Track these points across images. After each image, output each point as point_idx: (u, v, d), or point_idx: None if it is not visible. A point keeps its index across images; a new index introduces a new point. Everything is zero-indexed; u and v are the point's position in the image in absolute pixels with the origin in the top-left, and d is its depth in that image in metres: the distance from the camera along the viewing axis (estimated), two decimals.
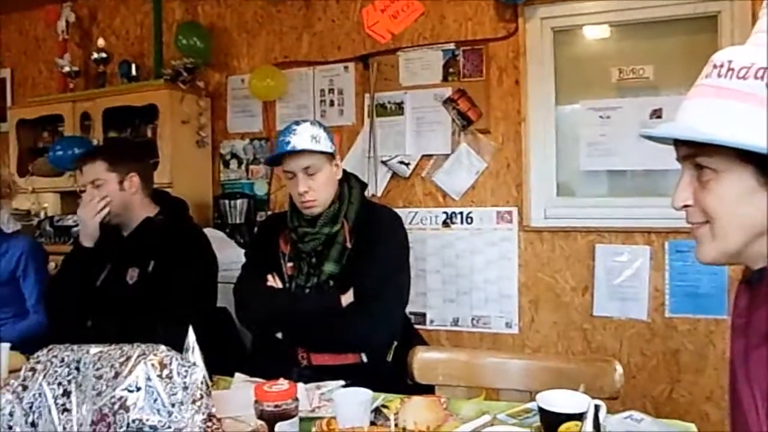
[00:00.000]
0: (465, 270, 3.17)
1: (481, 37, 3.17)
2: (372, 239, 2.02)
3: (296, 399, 1.25)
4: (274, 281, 2.04)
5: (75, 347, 1.33)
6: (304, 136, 1.97)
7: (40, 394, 1.29)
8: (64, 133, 3.96)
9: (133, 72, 3.87)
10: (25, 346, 2.39)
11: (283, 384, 1.26)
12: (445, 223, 3.22)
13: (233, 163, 3.76)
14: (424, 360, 1.75)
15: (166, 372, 1.19)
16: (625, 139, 2.92)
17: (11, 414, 1.26)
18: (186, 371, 1.20)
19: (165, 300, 2.08)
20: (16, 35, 4.67)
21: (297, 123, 2.03)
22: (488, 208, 3.15)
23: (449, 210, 3.22)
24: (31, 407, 1.27)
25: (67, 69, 4.05)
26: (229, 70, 3.82)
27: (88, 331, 2.15)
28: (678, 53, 2.91)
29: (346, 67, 3.49)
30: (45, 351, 1.37)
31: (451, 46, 3.22)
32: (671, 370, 2.88)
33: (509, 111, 3.13)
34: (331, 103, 3.52)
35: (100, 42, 3.97)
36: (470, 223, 3.17)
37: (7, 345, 1.84)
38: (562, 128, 3.11)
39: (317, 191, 2.00)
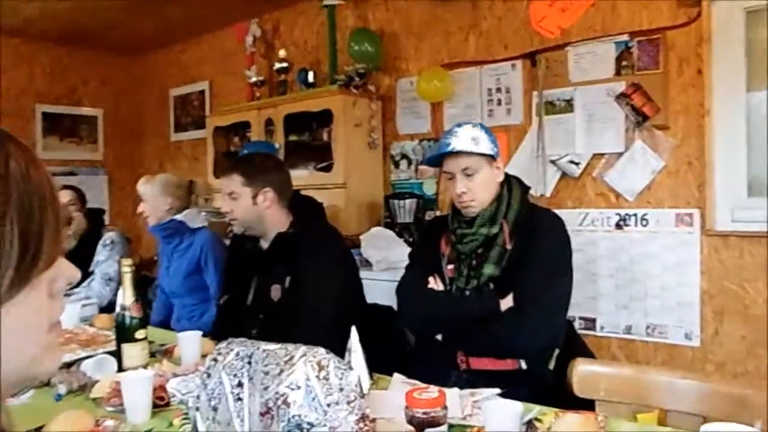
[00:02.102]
0: (639, 275, 2.99)
1: (657, 25, 2.96)
2: (533, 242, 1.98)
3: (445, 407, 1.27)
4: (435, 283, 2.07)
5: (249, 342, 1.45)
6: (465, 138, 1.99)
7: (220, 382, 1.43)
8: (250, 138, 4.33)
9: (310, 79, 4.12)
10: (211, 335, 2.68)
11: (433, 391, 1.29)
12: (618, 225, 3.06)
13: (403, 164, 3.87)
14: (584, 373, 1.68)
15: (323, 373, 1.26)
16: None
17: (198, 397, 1.41)
18: (342, 374, 1.27)
19: (306, 317, 2.13)
20: (212, 51, 5.19)
21: (459, 125, 2.05)
22: (666, 209, 2.94)
23: (622, 211, 3.06)
24: (213, 393, 1.41)
25: (253, 79, 4.42)
26: (398, 73, 3.93)
27: (252, 338, 2.30)
28: None
29: (513, 65, 3.43)
30: (225, 344, 1.52)
31: (625, 37, 3.04)
32: None
33: (690, 104, 2.89)
34: (499, 102, 3.49)
35: (282, 53, 4.27)
36: (645, 226, 2.98)
37: (198, 333, 2.05)
38: (754, 120, 2.81)
39: (475, 192, 2.00)
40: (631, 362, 2.99)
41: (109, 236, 3.35)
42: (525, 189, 2.14)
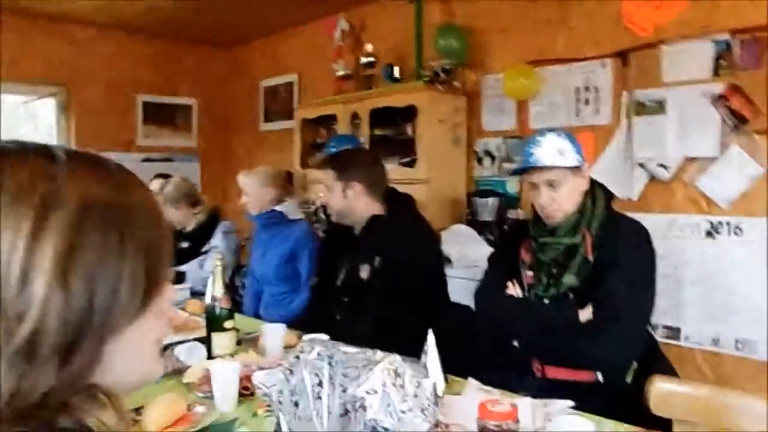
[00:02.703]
0: (729, 285, 2.87)
1: (763, 23, 2.81)
2: (616, 253, 1.95)
3: (517, 421, 1.29)
4: (513, 289, 2.08)
5: (330, 343, 1.52)
6: (549, 149, 1.97)
7: (302, 379, 1.51)
8: (337, 130, 4.43)
9: (396, 74, 4.15)
10: (297, 322, 2.79)
11: (505, 405, 1.31)
12: (708, 233, 2.95)
13: (486, 161, 3.86)
14: (661, 391, 1.65)
15: (399, 381, 1.31)
16: None
17: (281, 391, 1.49)
18: (417, 382, 1.32)
19: (393, 295, 2.22)
20: (302, 44, 5.31)
21: (542, 134, 2.03)
22: (762, 218, 2.80)
23: (714, 219, 2.93)
24: (295, 389, 1.48)
25: (340, 73, 4.50)
26: (484, 69, 3.91)
27: (338, 324, 2.41)
28: None
29: (603, 64, 3.35)
30: (308, 341, 1.60)
31: (725, 36, 2.90)
32: None
33: None
34: (586, 102, 3.42)
35: (368, 47, 4.33)
36: (739, 235, 2.85)
37: (283, 326, 2.14)
38: None
39: (559, 202, 1.99)
40: (717, 376, 2.89)
41: (228, 225, 3.49)
42: (609, 197, 2.11)
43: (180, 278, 3.34)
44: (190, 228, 3.44)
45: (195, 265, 3.34)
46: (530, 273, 2.07)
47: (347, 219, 2.45)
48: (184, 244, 3.39)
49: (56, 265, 0.54)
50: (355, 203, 2.41)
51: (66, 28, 5.19)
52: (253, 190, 3.05)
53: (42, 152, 0.59)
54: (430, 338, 1.76)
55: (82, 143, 5.37)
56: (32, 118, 5.70)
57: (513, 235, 2.23)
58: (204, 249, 3.37)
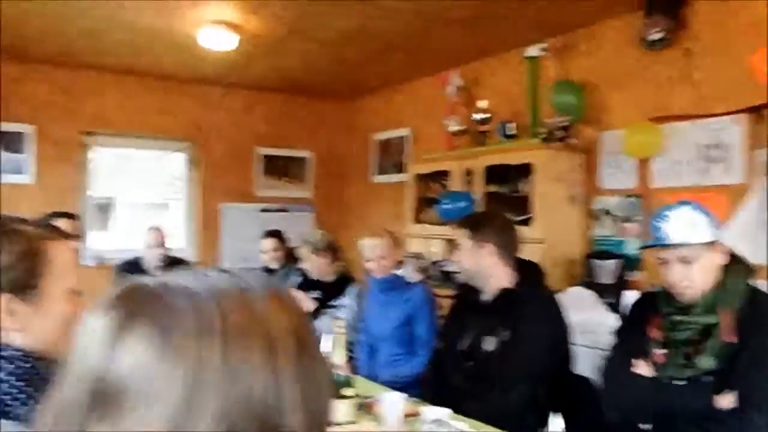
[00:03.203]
0: None
1: None
2: (756, 336, 1.82)
3: None
4: (642, 368, 1.99)
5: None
6: (679, 224, 1.89)
7: None
8: (449, 186, 4.45)
9: (511, 131, 4.14)
10: (415, 384, 2.79)
11: None
12: None
13: (605, 220, 3.74)
14: None
15: None
16: None
17: None
18: None
19: (515, 371, 2.19)
20: (414, 99, 5.43)
21: (672, 207, 1.95)
22: None
23: None
24: None
25: (454, 129, 4.55)
26: (601, 125, 3.82)
27: (458, 391, 2.38)
28: None
29: (733, 120, 3.19)
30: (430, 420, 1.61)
31: None
32: None
33: None
34: (713, 160, 3.25)
35: (482, 103, 4.35)
36: None
37: (402, 396, 2.15)
38: None
39: (693, 279, 1.89)
40: None
41: (360, 289, 3.49)
42: (749, 271, 1.99)
43: None
44: (325, 279, 3.52)
45: (326, 321, 3.45)
46: (661, 352, 1.98)
47: (476, 280, 2.46)
48: (315, 294, 3.47)
49: (302, 395, 0.55)
50: (485, 264, 2.42)
51: (198, 88, 5.60)
52: (384, 254, 3.06)
53: (244, 288, 0.60)
54: (556, 422, 1.71)
55: (208, 194, 5.72)
56: (162, 171, 6.12)
57: (641, 310, 2.14)
58: (334, 303, 3.43)
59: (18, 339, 1.07)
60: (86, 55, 4.71)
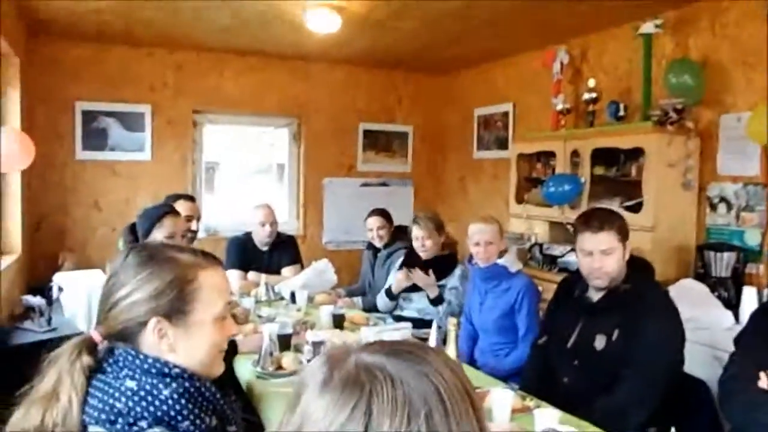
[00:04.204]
0: None
1: None
2: None
3: None
4: (766, 382, 1.92)
5: None
6: None
7: None
8: (555, 167, 4.35)
9: (621, 112, 3.98)
10: (514, 376, 2.81)
11: None
12: None
13: (721, 208, 3.56)
14: None
15: None
16: None
17: None
18: None
19: (632, 374, 2.13)
20: (518, 73, 5.32)
21: None
22: None
23: None
24: None
25: (560, 107, 4.42)
26: (722, 107, 3.60)
27: (565, 387, 2.37)
28: None
29: None
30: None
31: None
32: None
33: None
34: None
35: (591, 82, 4.20)
36: None
37: (511, 393, 2.16)
38: None
39: None
40: None
41: (464, 269, 3.47)
42: None
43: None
44: (430, 258, 3.55)
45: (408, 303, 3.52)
46: None
47: (614, 282, 2.29)
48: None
49: None
50: (623, 264, 2.29)
51: (300, 65, 5.72)
52: (487, 245, 3.03)
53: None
54: None
55: (310, 168, 5.87)
56: (270, 146, 6.33)
57: (767, 319, 2.05)
58: (440, 283, 3.48)
59: (175, 359, 1.17)
60: (195, 37, 4.90)
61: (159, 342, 1.18)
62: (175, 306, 1.19)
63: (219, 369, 1.27)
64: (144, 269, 1.20)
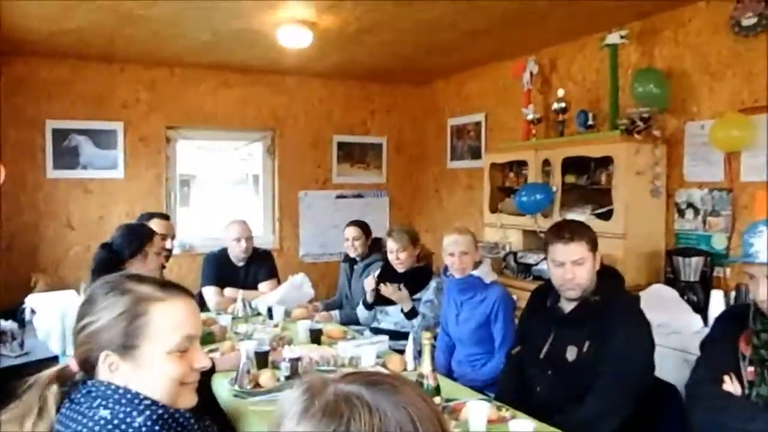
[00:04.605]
0: None
1: None
2: None
3: None
4: (731, 385, 1.96)
5: None
6: None
7: None
8: (527, 176, 4.41)
9: (590, 121, 4.05)
10: (490, 386, 2.84)
11: None
12: None
13: (689, 213, 3.64)
14: None
15: None
16: None
17: None
18: None
19: (602, 384, 2.17)
20: (490, 83, 5.38)
21: (765, 223, 1.90)
22: None
23: None
24: None
25: (530, 117, 4.49)
26: (687, 115, 3.69)
27: (538, 396, 2.39)
28: None
29: None
30: None
31: None
32: None
33: None
34: None
35: (560, 92, 4.27)
36: None
37: (487, 405, 2.19)
38: None
39: None
40: None
41: (440, 281, 3.50)
42: None
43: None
44: (406, 271, 3.58)
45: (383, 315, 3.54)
46: (751, 369, 1.94)
47: (582, 293, 2.32)
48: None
49: None
50: (594, 274, 2.32)
51: (276, 80, 5.74)
52: (462, 255, 3.05)
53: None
54: None
55: (285, 181, 5.88)
56: (244, 160, 6.32)
57: (730, 324, 2.09)
58: (415, 297, 3.50)
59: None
60: (171, 54, 4.89)
61: (110, 375, 1.18)
62: (122, 340, 1.18)
63: (187, 402, 1.25)
64: (104, 300, 1.21)
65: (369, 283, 3.64)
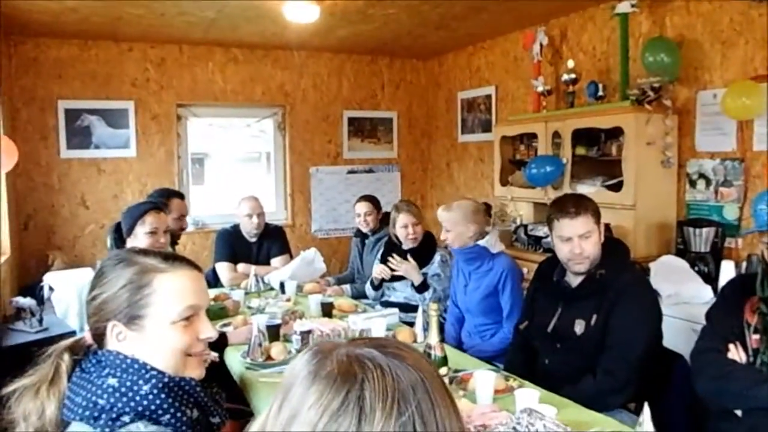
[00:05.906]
0: None
1: None
2: None
3: None
4: (736, 353, 1.97)
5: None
6: None
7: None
8: (537, 148, 4.39)
9: (600, 92, 4.01)
10: (500, 356, 2.87)
11: None
12: None
13: (700, 184, 3.61)
14: None
15: None
16: None
17: None
18: None
19: (609, 359, 2.19)
20: (500, 55, 5.33)
21: None
22: None
23: None
24: None
25: (540, 89, 4.45)
26: (699, 84, 3.65)
27: (546, 368, 2.42)
28: None
29: None
30: (525, 414, 1.70)
31: None
32: None
33: None
34: None
35: (570, 63, 4.23)
36: None
37: (493, 374, 2.22)
38: None
39: None
40: None
41: (444, 254, 3.56)
42: None
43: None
44: (411, 246, 3.60)
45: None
46: (756, 336, 1.95)
47: (590, 265, 2.33)
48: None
49: None
50: (599, 246, 2.33)
51: (284, 55, 5.72)
52: (454, 227, 3.09)
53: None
54: (646, 411, 1.75)
55: (297, 157, 5.89)
56: (256, 137, 6.35)
57: (736, 292, 2.10)
58: (422, 271, 3.52)
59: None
60: (178, 32, 4.89)
61: (118, 345, 1.22)
62: (129, 310, 1.22)
63: (194, 372, 1.28)
64: (112, 272, 1.24)
65: (381, 271, 3.59)
